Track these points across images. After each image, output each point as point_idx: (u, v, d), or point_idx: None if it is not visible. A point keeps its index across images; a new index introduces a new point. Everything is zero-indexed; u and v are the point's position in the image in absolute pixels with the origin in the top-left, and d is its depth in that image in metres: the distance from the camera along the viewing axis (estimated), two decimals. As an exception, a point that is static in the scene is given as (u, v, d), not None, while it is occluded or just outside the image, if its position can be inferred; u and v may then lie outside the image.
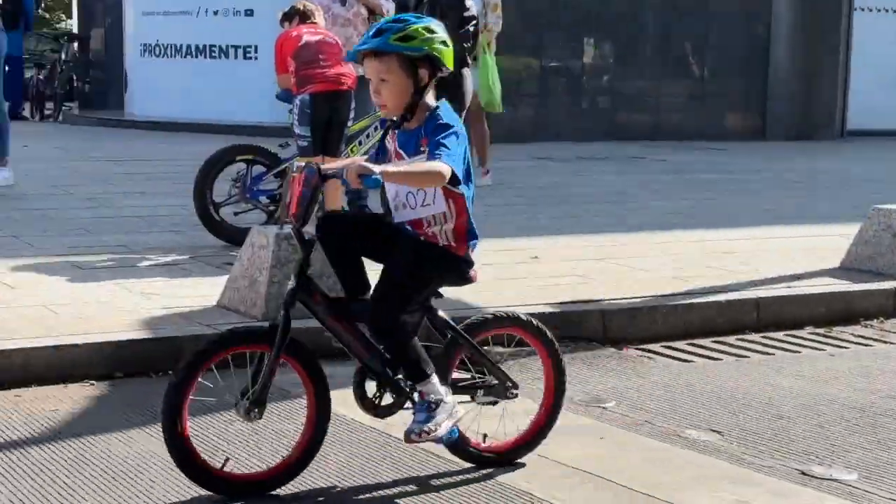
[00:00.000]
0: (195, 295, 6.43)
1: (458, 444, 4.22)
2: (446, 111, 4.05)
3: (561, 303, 6.48)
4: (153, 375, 5.43)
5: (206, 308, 6.15)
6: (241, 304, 6.07)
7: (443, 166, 3.86)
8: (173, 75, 18.54)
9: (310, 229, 4.06)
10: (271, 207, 8.24)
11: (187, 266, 7.31)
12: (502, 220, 9.21)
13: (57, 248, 7.71)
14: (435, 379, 4.02)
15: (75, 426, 4.72)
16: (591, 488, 4.16)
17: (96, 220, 8.95)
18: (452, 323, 4.20)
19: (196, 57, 18.63)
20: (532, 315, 4.57)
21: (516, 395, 4.37)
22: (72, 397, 5.09)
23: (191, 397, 3.92)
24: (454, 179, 3.93)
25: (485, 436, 4.37)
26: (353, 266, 4.12)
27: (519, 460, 4.41)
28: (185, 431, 3.91)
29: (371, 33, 4.01)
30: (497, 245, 7.86)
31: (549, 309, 6.29)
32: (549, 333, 4.46)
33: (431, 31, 4.00)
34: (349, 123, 8.06)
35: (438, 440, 4.04)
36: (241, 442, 4.49)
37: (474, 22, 9.51)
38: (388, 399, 4.14)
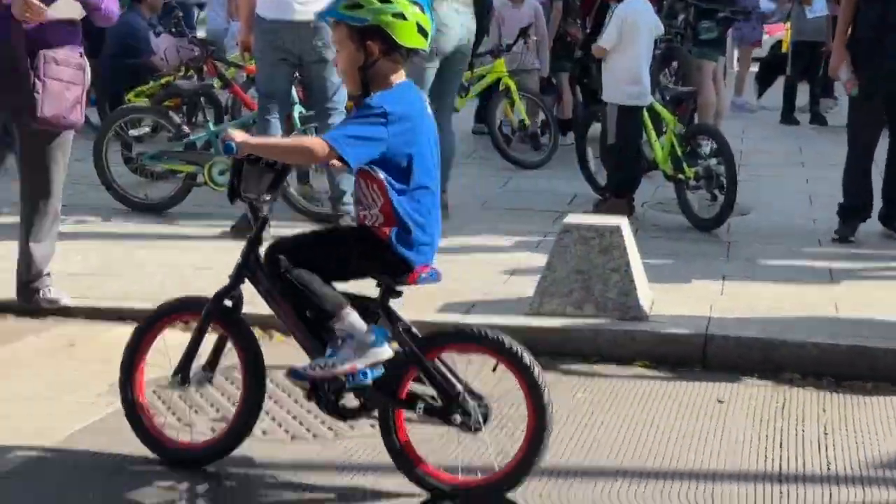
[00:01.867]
0: None
1: (398, 450, 3.84)
2: (397, 91, 3.69)
3: None
4: None
5: None
6: None
7: (314, 142, 3.60)
8: None
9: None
10: None
11: None
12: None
13: None
14: (346, 313, 3.67)
15: None
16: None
17: None
18: (413, 333, 3.80)
19: None
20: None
21: (470, 429, 3.78)
22: None
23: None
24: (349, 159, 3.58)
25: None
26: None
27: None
28: (139, 396, 4.08)
29: None
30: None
31: None
32: (525, 357, 3.78)
33: (385, 1, 3.62)
34: None
35: (332, 377, 3.70)
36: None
37: None
38: (352, 402, 3.85)
